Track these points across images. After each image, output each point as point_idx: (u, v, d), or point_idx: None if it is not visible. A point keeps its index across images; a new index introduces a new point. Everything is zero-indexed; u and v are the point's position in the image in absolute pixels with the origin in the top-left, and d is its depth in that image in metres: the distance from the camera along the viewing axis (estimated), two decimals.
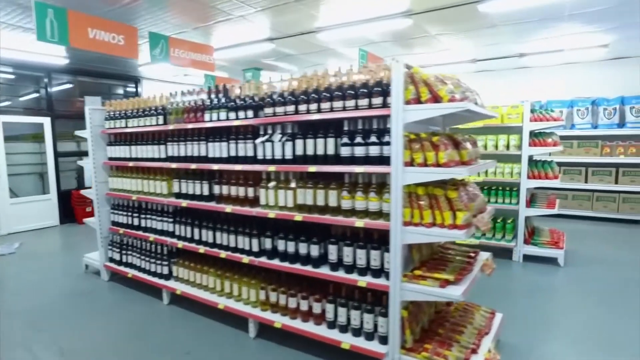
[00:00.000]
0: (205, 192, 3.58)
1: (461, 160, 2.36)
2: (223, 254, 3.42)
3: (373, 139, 2.49)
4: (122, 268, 4.39)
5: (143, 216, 4.21)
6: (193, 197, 3.68)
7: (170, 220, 3.94)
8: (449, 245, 3.07)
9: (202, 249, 3.59)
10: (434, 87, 2.18)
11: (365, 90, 2.53)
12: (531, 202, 5.06)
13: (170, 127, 3.77)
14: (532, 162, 4.98)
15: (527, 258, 5.00)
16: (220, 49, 6.15)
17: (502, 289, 4.18)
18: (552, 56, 7.13)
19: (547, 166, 4.84)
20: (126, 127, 4.23)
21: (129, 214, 4.34)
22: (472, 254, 2.81)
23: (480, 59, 7.33)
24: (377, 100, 2.48)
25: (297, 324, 2.94)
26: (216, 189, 3.48)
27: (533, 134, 4.90)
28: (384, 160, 2.43)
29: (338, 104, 2.65)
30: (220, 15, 4.76)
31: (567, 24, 5.38)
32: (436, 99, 2.20)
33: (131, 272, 4.25)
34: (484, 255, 2.92)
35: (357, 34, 5.53)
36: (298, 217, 2.86)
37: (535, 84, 8.22)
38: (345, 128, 2.65)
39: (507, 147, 5.07)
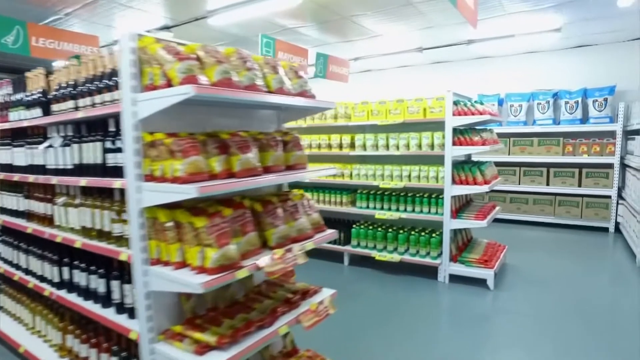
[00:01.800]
0: (21, 208, 2.93)
1: (228, 171, 1.67)
2: (31, 282, 2.76)
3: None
4: None
5: None
6: (11, 212, 3.03)
7: None
8: (284, 279, 2.38)
9: (17, 276, 2.94)
10: (164, 66, 1.50)
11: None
12: (460, 211, 4.34)
13: None
14: (458, 164, 4.27)
15: (455, 278, 4.28)
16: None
17: (407, 322, 3.48)
18: (507, 44, 6.39)
19: (475, 169, 4.12)
20: None
21: None
22: (297, 296, 2.11)
23: (426, 47, 6.60)
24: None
25: None
26: (25, 204, 2.84)
27: (458, 131, 4.19)
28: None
29: (96, 98, 1.98)
30: None
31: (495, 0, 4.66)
32: (170, 82, 1.52)
33: None
34: (320, 296, 2.22)
35: (253, 16, 4.81)
36: (78, 242, 2.19)
37: (494, 76, 7.48)
38: (112, 129, 1.98)
39: (432, 146, 4.36)
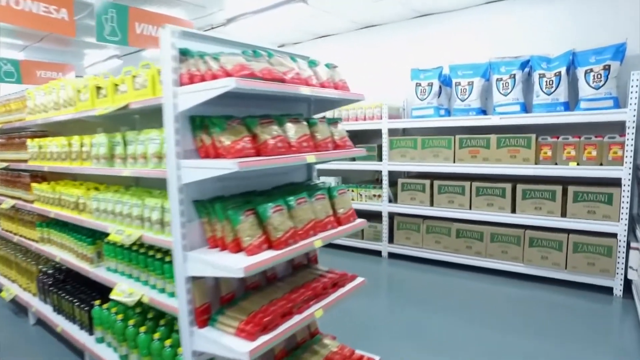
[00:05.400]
0: None
1: None
2: None
3: None
4: None
5: None
6: None
7: None
8: None
9: None
10: None
11: None
12: (230, 303, 1.92)
13: None
14: (205, 202, 1.85)
15: None
16: None
17: None
18: None
19: (237, 216, 1.70)
20: None
21: None
22: None
23: None
24: None
25: None
26: None
27: (200, 124, 1.78)
28: None
29: None
30: None
31: None
32: None
33: None
34: None
35: None
36: None
37: (438, 41, 4.94)
38: None
39: (160, 157, 1.99)
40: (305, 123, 1.98)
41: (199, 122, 1.76)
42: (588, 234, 3.69)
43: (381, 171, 4.81)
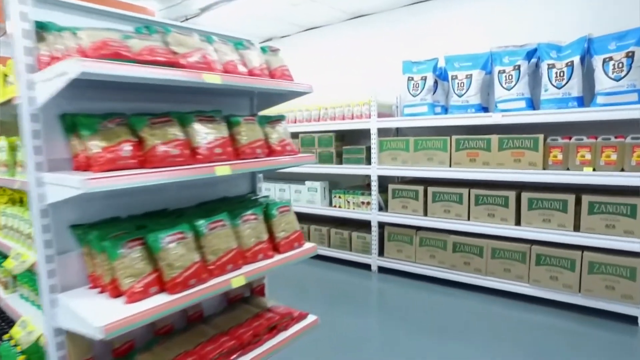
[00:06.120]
0: None
1: None
2: None
3: None
4: None
5: None
6: None
7: None
8: None
9: None
10: None
11: None
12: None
13: None
14: (85, 227, 1.41)
15: None
16: None
17: None
18: None
19: (115, 250, 1.26)
20: None
21: None
22: None
23: None
24: None
25: None
26: None
27: (70, 122, 1.34)
28: None
29: None
30: None
31: None
32: None
33: None
34: None
35: None
36: None
37: (433, 31, 4.41)
38: None
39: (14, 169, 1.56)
40: (224, 123, 1.52)
41: (70, 121, 1.32)
42: (606, 252, 3.13)
43: (370, 176, 4.31)
